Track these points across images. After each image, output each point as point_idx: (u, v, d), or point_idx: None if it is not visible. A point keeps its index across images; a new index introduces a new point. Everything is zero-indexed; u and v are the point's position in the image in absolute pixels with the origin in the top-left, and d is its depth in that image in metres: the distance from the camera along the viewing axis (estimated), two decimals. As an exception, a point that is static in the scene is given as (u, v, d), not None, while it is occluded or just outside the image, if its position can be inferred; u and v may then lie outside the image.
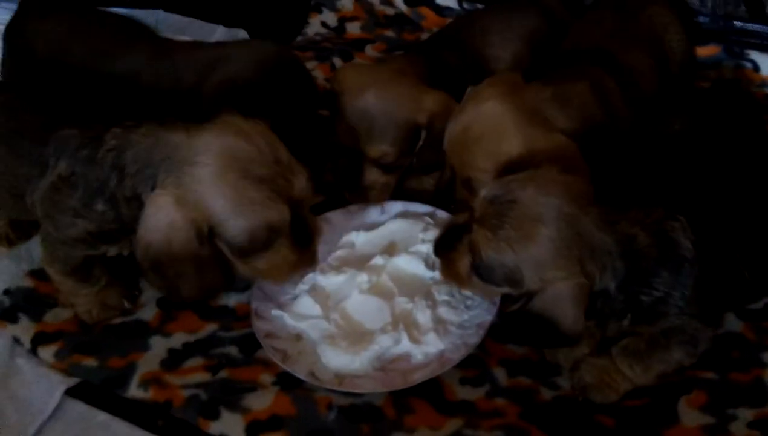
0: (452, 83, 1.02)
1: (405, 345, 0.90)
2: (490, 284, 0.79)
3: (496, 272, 0.77)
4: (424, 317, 0.92)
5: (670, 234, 0.77)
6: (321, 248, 1.03)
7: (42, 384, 0.92)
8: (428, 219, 1.05)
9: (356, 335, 0.92)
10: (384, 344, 0.90)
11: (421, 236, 1.01)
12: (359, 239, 1.04)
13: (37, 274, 1.00)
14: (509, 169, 0.87)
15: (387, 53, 1.45)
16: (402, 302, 0.94)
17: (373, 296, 0.95)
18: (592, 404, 0.84)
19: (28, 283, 1.02)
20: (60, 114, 0.88)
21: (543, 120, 0.91)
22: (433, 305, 0.94)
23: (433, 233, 1.01)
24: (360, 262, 1.00)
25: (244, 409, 0.86)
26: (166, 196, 0.77)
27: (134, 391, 0.90)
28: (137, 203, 0.80)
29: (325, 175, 1.11)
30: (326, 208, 1.07)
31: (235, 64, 1.04)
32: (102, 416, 0.89)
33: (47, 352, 0.94)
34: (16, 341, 0.97)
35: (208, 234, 0.78)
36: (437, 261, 0.98)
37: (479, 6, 1.45)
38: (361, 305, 0.95)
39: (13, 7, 1.20)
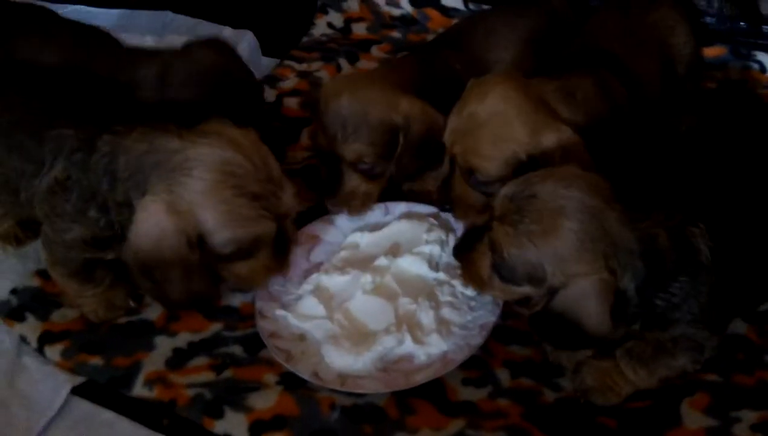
0: (450, 86, 1.01)
1: (408, 346, 0.91)
2: (511, 284, 0.77)
3: (517, 270, 0.75)
4: (427, 317, 0.93)
5: (690, 239, 0.75)
6: (326, 249, 1.05)
7: (48, 383, 0.93)
8: (432, 220, 1.05)
9: (359, 336, 0.92)
10: (387, 344, 0.90)
11: (425, 236, 1.02)
12: (363, 240, 1.04)
13: (44, 273, 1.01)
14: (515, 157, 0.88)
15: (392, 54, 1.45)
16: (405, 303, 0.94)
17: (377, 297, 0.96)
18: (595, 406, 0.84)
19: (35, 282, 1.03)
20: (57, 111, 0.89)
21: (549, 109, 0.90)
22: (436, 306, 0.94)
23: (436, 234, 1.01)
24: (364, 263, 1.00)
25: (248, 408, 0.87)
26: (158, 202, 0.78)
27: (139, 390, 0.90)
28: (128, 209, 0.81)
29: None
30: (309, 216, 1.06)
31: (176, 78, 1.03)
32: (107, 415, 0.90)
33: (54, 351, 0.95)
34: (23, 339, 0.98)
35: (197, 241, 0.79)
36: (441, 262, 0.99)
37: (485, 7, 1.45)
38: (365, 305, 0.95)
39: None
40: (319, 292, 0.98)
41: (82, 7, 1.59)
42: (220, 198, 0.77)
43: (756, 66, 1.29)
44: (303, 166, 1.21)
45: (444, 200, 0.97)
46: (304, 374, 0.88)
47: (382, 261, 0.99)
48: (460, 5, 1.48)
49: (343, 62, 1.43)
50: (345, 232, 1.06)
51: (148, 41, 1.44)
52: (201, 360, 0.93)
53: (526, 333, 0.94)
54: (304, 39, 1.53)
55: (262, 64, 1.44)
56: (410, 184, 1.10)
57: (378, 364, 0.90)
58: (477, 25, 1.24)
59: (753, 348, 0.88)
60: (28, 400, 0.91)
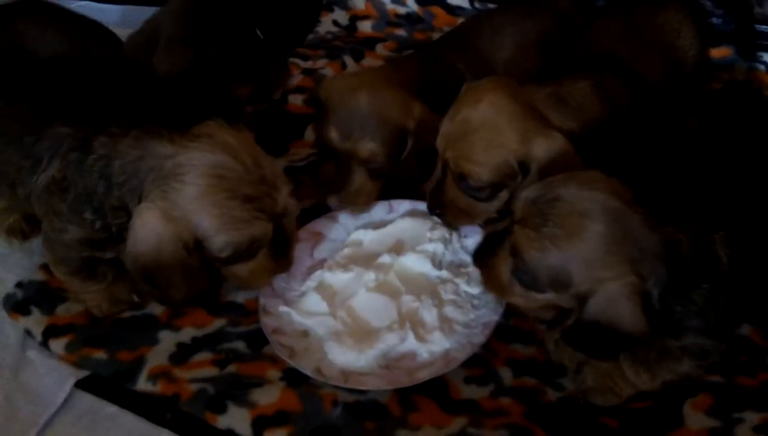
0: (454, 86, 1.01)
1: (411, 343, 0.91)
2: (533, 291, 0.75)
3: (540, 275, 0.72)
4: (430, 315, 0.93)
5: (712, 247, 0.74)
6: (329, 246, 1.05)
7: (52, 376, 0.93)
8: (436, 218, 1.05)
9: (362, 333, 0.92)
10: (390, 342, 0.91)
11: (428, 234, 1.02)
12: (367, 237, 1.04)
13: (49, 267, 1.01)
14: (507, 163, 0.88)
15: (398, 52, 1.45)
16: (408, 301, 0.94)
17: (380, 294, 0.96)
18: (596, 406, 0.84)
19: (40, 276, 1.04)
20: (56, 107, 0.89)
21: (540, 116, 0.91)
22: (439, 303, 0.94)
23: (440, 232, 1.02)
24: (367, 260, 1.00)
25: (251, 404, 0.87)
26: (153, 209, 0.78)
27: (143, 384, 0.91)
28: (125, 213, 0.82)
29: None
30: (314, 213, 1.07)
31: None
32: (111, 409, 0.90)
33: (58, 344, 0.96)
34: (28, 333, 0.98)
35: (194, 245, 0.80)
36: (444, 260, 1.00)
37: (491, 6, 1.45)
38: (368, 302, 0.95)
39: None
40: (322, 289, 0.98)
41: (88, 2, 1.59)
42: (213, 202, 0.78)
43: (762, 67, 1.29)
44: (308, 162, 1.21)
45: (435, 205, 0.97)
46: (307, 370, 0.88)
47: (385, 259, 0.99)
48: (465, 4, 1.48)
49: (348, 60, 1.44)
50: (348, 229, 1.06)
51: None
52: (204, 355, 0.94)
53: (528, 332, 0.94)
54: (310, 36, 1.54)
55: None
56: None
57: (381, 361, 0.90)
58: (483, 24, 1.24)
59: (756, 350, 0.88)
60: (33, 393, 0.92)
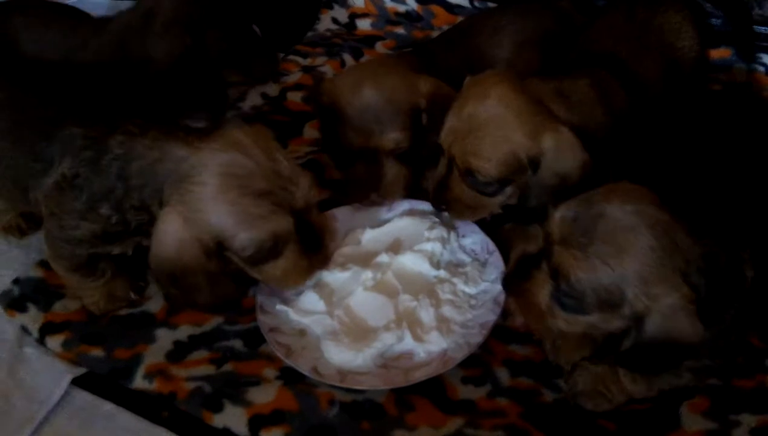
0: (452, 83, 1.01)
1: (408, 343, 0.91)
2: (577, 314, 0.71)
3: (587, 297, 0.68)
4: (427, 315, 0.93)
5: (742, 266, 0.72)
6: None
7: (49, 373, 0.93)
8: (434, 218, 1.04)
9: (359, 332, 0.92)
10: (387, 341, 0.90)
11: (426, 234, 1.02)
12: (365, 236, 1.04)
13: (47, 264, 1.01)
14: (516, 158, 0.88)
15: (397, 50, 1.45)
16: (406, 300, 0.94)
17: (378, 294, 0.96)
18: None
19: (37, 273, 1.04)
20: (66, 110, 0.89)
21: (547, 110, 0.90)
22: (436, 303, 0.94)
23: (438, 232, 1.01)
24: (365, 259, 1.00)
25: (247, 402, 0.87)
26: (173, 213, 0.78)
27: (139, 382, 0.91)
28: (146, 213, 0.82)
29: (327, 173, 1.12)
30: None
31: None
32: (107, 406, 0.90)
33: (55, 341, 0.96)
34: (25, 330, 0.98)
35: (216, 249, 0.80)
36: (442, 260, 0.99)
37: (490, 5, 1.44)
38: (365, 301, 0.95)
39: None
40: (319, 287, 0.97)
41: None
42: (226, 200, 0.77)
43: (761, 69, 1.28)
44: (306, 159, 1.21)
45: (439, 201, 0.97)
46: (304, 369, 0.88)
47: (383, 258, 0.99)
48: (465, 3, 1.48)
49: (347, 57, 1.43)
50: (346, 227, 1.06)
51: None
52: (201, 353, 0.94)
53: (525, 333, 0.94)
54: (309, 34, 1.53)
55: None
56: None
57: (378, 360, 0.90)
58: (482, 23, 1.24)
59: (754, 352, 0.88)
60: (29, 390, 0.92)
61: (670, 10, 1.13)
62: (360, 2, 1.55)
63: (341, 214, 1.07)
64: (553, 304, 0.74)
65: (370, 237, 1.04)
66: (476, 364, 0.90)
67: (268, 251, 0.81)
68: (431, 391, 0.87)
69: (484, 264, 0.99)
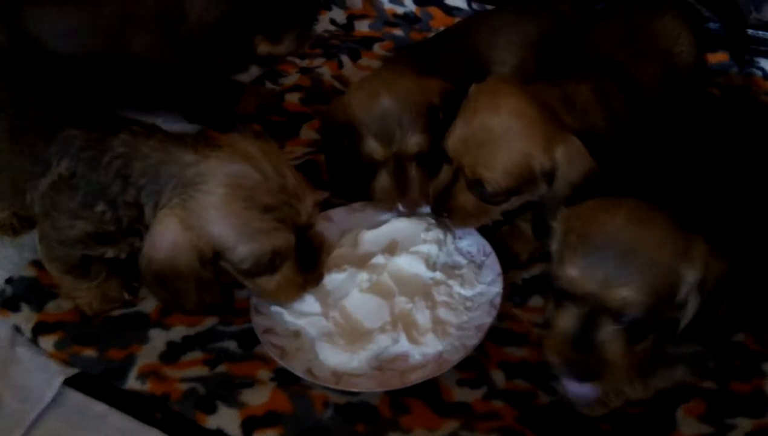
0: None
1: (403, 345, 0.90)
2: (651, 333, 0.72)
3: (657, 307, 0.69)
4: (423, 317, 0.92)
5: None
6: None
7: (41, 373, 0.92)
8: (431, 219, 1.04)
9: (355, 334, 0.92)
10: (382, 343, 0.90)
11: (422, 236, 1.01)
12: (361, 238, 1.03)
13: (40, 264, 1.00)
14: (529, 170, 0.88)
15: (394, 52, 1.44)
16: (401, 302, 0.94)
17: (373, 295, 0.95)
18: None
19: (30, 272, 1.03)
20: (66, 113, 0.89)
21: (558, 119, 0.90)
22: (432, 305, 0.94)
23: (434, 234, 1.01)
24: (361, 260, 0.99)
25: (241, 404, 0.87)
26: (172, 217, 0.77)
27: (132, 383, 0.90)
28: (137, 210, 0.81)
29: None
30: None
31: None
32: (100, 407, 0.89)
33: (47, 342, 0.95)
34: (17, 329, 0.97)
35: (211, 258, 0.79)
36: (438, 262, 0.99)
37: (488, 7, 1.44)
38: (361, 303, 0.94)
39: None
40: (315, 289, 0.97)
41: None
42: (231, 212, 0.77)
43: (759, 72, 1.29)
44: (303, 161, 1.20)
45: (441, 209, 0.96)
46: (298, 371, 0.87)
47: (379, 259, 0.99)
48: (463, 5, 1.48)
49: (345, 59, 1.43)
50: (342, 228, 1.05)
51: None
52: (195, 355, 0.93)
53: (521, 335, 0.93)
54: (307, 35, 1.53)
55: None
56: None
57: (373, 362, 0.89)
58: (480, 24, 1.24)
59: (750, 355, 0.88)
60: (21, 390, 0.91)
61: (668, 15, 1.13)
62: (358, 3, 1.55)
63: (337, 216, 1.07)
64: (630, 347, 0.72)
65: (366, 239, 1.03)
66: (472, 366, 0.90)
67: (266, 266, 0.81)
68: (426, 393, 0.87)
69: (480, 266, 0.99)
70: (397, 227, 1.04)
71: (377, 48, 1.47)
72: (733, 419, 0.82)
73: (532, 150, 0.87)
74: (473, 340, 0.89)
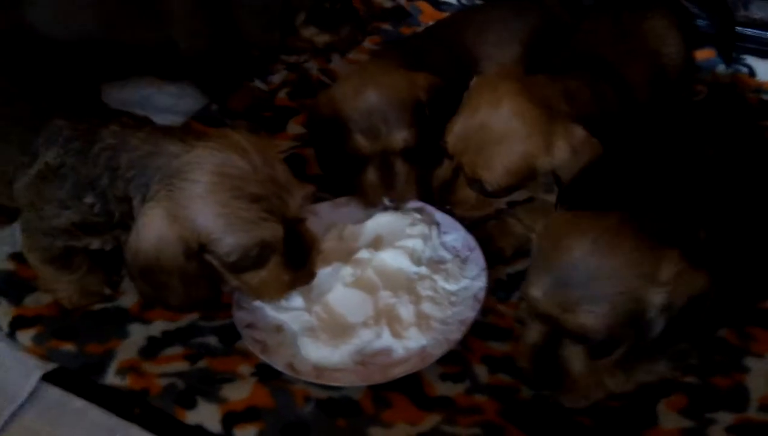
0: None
1: (386, 340, 0.90)
2: (617, 348, 0.71)
3: (620, 329, 0.69)
4: (406, 311, 0.92)
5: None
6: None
7: (18, 368, 0.91)
8: (416, 215, 1.04)
9: (338, 328, 0.91)
10: (365, 337, 0.89)
11: (408, 231, 1.01)
12: (346, 232, 1.03)
13: (19, 257, 0.99)
14: (529, 169, 0.88)
15: (382, 46, 1.44)
16: (385, 297, 0.93)
17: (357, 290, 0.94)
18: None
19: (8, 266, 1.01)
20: (53, 103, 0.88)
21: (559, 114, 0.89)
22: (416, 300, 0.93)
23: (420, 229, 1.00)
24: (345, 255, 0.99)
25: (221, 399, 0.86)
26: (158, 208, 0.76)
27: (111, 378, 0.89)
28: (127, 204, 0.80)
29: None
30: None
31: None
32: (78, 403, 0.88)
33: (25, 336, 0.94)
34: (-5, 324, 0.96)
35: (197, 250, 0.78)
36: (423, 257, 0.98)
37: (477, 2, 1.44)
38: (344, 298, 0.94)
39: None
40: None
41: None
42: (217, 201, 0.75)
43: (745, 69, 1.29)
44: (289, 154, 1.19)
45: (443, 201, 0.98)
46: (279, 365, 0.87)
47: (363, 254, 0.98)
48: (452, -1, 1.47)
49: (333, 54, 1.42)
50: (327, 223, 1.05)
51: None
52: (175, 350, 0.92)
53: (505, 330, 0.93)
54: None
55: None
56: None
57: (355, 357, 0.89)
58: (469, 19, 1.23)
59: (731, 350, 0.88)
60: (-3, 385, 0.90)
61: (657, 15, 1.13)
62: (347, -2, 1.54)
63: (322, 210, 1.06)
64: (593, 363, 0.73)
65: (350, 233, 1.03)
66: (455, 361, 0.89)
67: (253, 259, 0.79)
68: (409, 387, 0.86)
69: (464, 261, 0.99)
70: (382, 221, 1.03)
71: (366, 42, 1.45)
72: (714, 414, 0.82)
73: (532, 150, 0.87)
74: (456, 334, 0.89)
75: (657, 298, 0.69)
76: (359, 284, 0.95)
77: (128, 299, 0.98)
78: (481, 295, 0.92)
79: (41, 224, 0.86)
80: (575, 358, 0.72)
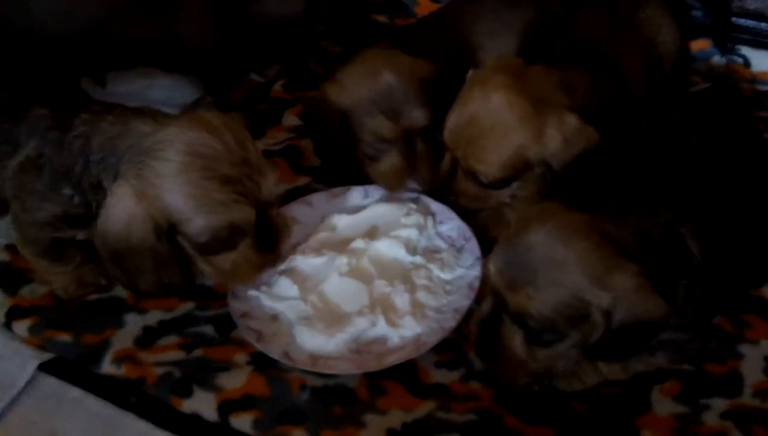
0: None
1: (381, 328, 0.90)
2: (557, 343, 0.72)
3: (557, 323, 0.70)
4: (402, 300, 0.92)
5: (683, 241, 0.74)
6: (303, 230, 1.03)
7: (15, 359, 0.91)
8: (411, 204, 1.04)
9: (333, 317, 0.91)
10: (360, 326, 0.90)
11: (403, 220, 1.01)
12: (341, 222, 1.03)
13: (14, 248, 0.98)
14: (521, 160, 0.88)
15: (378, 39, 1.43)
16: (381, 286, 0.93)
17: (352, 279, 0.95)
18: (563, 391, 0.84)
19: (4, 257, 1.01)
20: (33, 92, 0.87)
21: (554, 105, 0.89)
22: (411, 289, 0.93)
23: (415, 218, 1.01)
24: (341, 245, 0.99)
25: (217, 388, 0.86)
26: (127, 187, 0.75)
27: (108, 367, 0.89)
28: (101, 191, 0.79)
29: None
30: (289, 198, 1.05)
31: None
32: (75, 392, 0.88)
33: (21, 326, 0.94)
34: (-9, 314, 0.96)
35: (167, 231, 0.76)
36: (418, 246, 0.99)
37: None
38: (340, 287, 0.94)
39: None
40: (293, 272, 0.96)
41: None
42: (188, 181, 0.74)
43: (740, 60, 1.29)
44: (284, 146, 1.19)
45: (446, 193, 0.99)
46: (275, 354, 0.87)
47: (358, 244, 0.98)
48: (447, -9, 1.47)
49: (328, 45, 1.42)
50: (322, 213, 1.05)
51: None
52: (171, 339, 0.92)
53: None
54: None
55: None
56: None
57: (351, 345, 0.89)
58: (463, 10, 1.23)
59: (725, 337, 0.88)
60: (-6, 376, 0.90)
61: (652, 5, 1.13)
62: (342, -10, 1.54)
63: (317, 201, 1.06)
64: (530, 348, 0.74)
65: (346, 223, 1.03)
66: (450, 349, 0.89)
67: (224, 241, 0.78)
68: (404, 375, 0.87)
69: (460, 250, 0.99)
70: (378, 211, 1.04)
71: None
72: (708, 399, 0.82)
73: (523, 141, 0.87)
74: (451, 322, 0.89)
75: (601, 302, 0.69)
76: (354, 273, 0.95)
77: (123, 289, 0.98)
78: (476, 284, 0.92)
79: (26, 215, 0.86)
80: (512, 337, 0.74)
